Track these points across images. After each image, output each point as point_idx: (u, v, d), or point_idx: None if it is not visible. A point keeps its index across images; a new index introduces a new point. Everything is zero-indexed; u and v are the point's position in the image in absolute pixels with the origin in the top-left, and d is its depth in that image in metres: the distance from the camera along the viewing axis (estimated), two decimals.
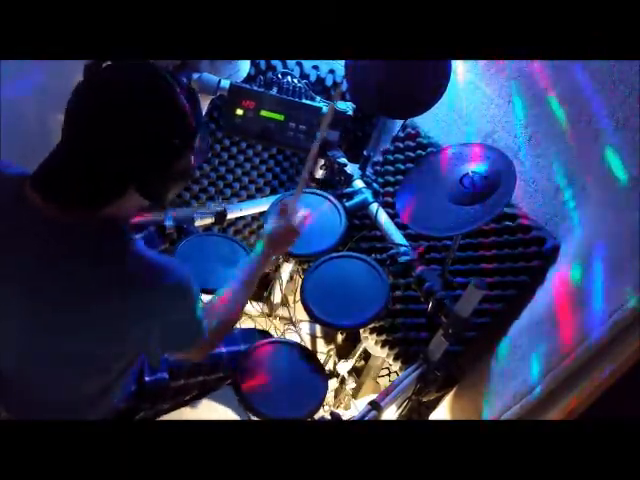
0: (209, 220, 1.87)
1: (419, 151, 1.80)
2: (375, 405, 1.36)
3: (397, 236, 1.59)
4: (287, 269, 2.18)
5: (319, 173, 1.99)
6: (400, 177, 1.84)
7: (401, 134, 1.88)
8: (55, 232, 0.87)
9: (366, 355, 2.12)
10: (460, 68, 1.65)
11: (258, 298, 2.38)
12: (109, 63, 0.89)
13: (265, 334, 1.68)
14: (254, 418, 1.40)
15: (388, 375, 2.19)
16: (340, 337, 2.34)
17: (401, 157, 1.86)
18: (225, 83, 1.68)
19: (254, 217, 2.25)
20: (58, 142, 0.88)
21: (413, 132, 1.84)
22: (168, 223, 1.71)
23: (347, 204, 1.66)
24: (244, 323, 2.26)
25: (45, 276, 0.88)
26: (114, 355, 0.95)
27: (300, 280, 1.63)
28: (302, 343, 1.69)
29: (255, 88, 1.70)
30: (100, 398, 1.06)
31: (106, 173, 0.86)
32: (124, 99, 0.85)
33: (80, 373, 0.98)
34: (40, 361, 0.96)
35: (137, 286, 0.88)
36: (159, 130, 0.87)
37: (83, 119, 0.86)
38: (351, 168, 1.78)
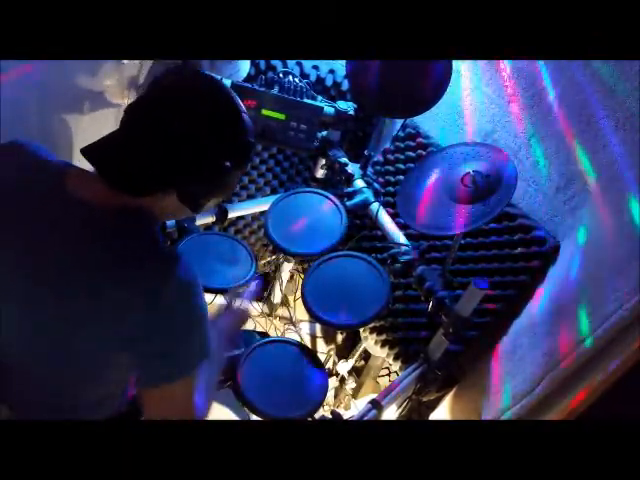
0: (210, 219, 1.87)
1: (419, 151, 1.81)
2: (375, 404, 1.36)
3: (398, 236, 1.59)
4: (287, 269, 2.18)
5: (320, 173, 1.99)
6: (401, 177, 1.85)
7: (401, 134, 1.88)
8: (87, 217, 0.88)
9: (366, 355, 2.12)
10: (460, 68, 1.65)
11: (258, 298, 2.37)
12: (188, 69, 0.92)
13: (264, 336, 1.68)
14: (254, 418, 1.40)
15: (388, 375, 2.19)
16: (340, 337, 2.34)
17: (401, 157, 1.86)
18: (226, 82, 1.68)
19: (254, 217, 2.26)
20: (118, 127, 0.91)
21: (413, 132, 1.84)
22: (169, 222, 1.71)
23: (348, 203, 1.67)
24: None
25: (67, 259, 0.88)
26: (116, 353, 0.95)
27: (300, 280, 1.64)
28: (302, 343, 1.69)
29: (256, 87, 1.70)
30: (102, 399, 1.06)
31: (154, 167, 0.88)
32: (192, 108, 0.88)
33: (85, 370, 0.98)
34: (46, 355, 0.96)
35: (148, 278, 0.88)
36: (216, 147, 0.90)
37: (148, 112, 0.89)
38: (352, 168, 1.78)
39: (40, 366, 0.98)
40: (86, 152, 0.90)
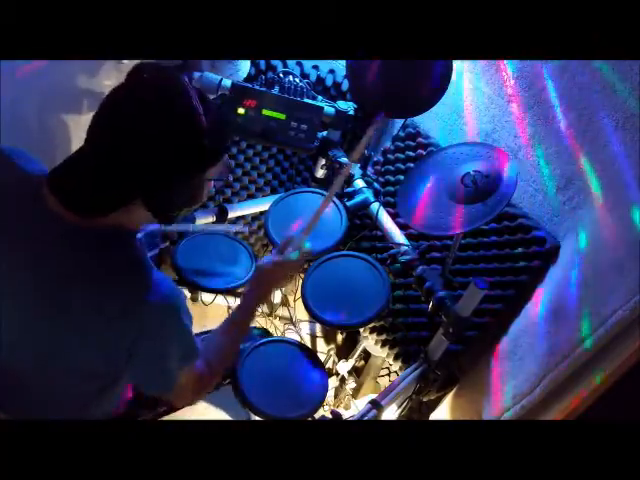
0: (210, 219, 1.87)
1: (419, 151, 1.81)
2: (375, 404, 1.36)
3: (398, 236, 1.59)
4: None
5: (320, 173, 1.99)
6: (401, 177, 1.84)
7: (401, 134, 1.88)
8: (63, 232, 0.88)
9: (366, 355, 2.12)
10: (460, 68, 1.65)
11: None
12: (137, 75, 0.88)
13: (264, 332, 1.68)
14: (254, 418, 1.40)
15: (388, 375, 2.19)
16: (340, 337, 2.34)
17: (402, 157, 1.86)
18: (226, 82, 1.68)
19: (254, 217, 2.26)
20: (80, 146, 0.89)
21: (413, 132, 1.84)
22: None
23: (348, 203, 1.67)
24: None
25: (48, 273, 0.88)
26: (106, 360, 0.95)
27: (300, 280, 1.63)
28: (302, 343, 1.69)
29: (257, 87, 1.70)
30: (97, 402, 1.06)
31: (114, 181, 0.86)
32: (143, 115, 0.85)
33: (76, 375, 0.98)
34: (39, 361, 0.96)
35: (130, 291, 0.89)
36: (172, 152, 0.86)
37: (100, 126, 0.87)
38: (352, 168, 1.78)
39: (26, 375, 0.99)
40: (49, 183, 0.88)
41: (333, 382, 2.09)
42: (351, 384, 2.11)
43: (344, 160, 1.79)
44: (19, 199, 0.90)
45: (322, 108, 1.76)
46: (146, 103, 0.85)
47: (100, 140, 0.86)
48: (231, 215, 1.93)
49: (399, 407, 1.46)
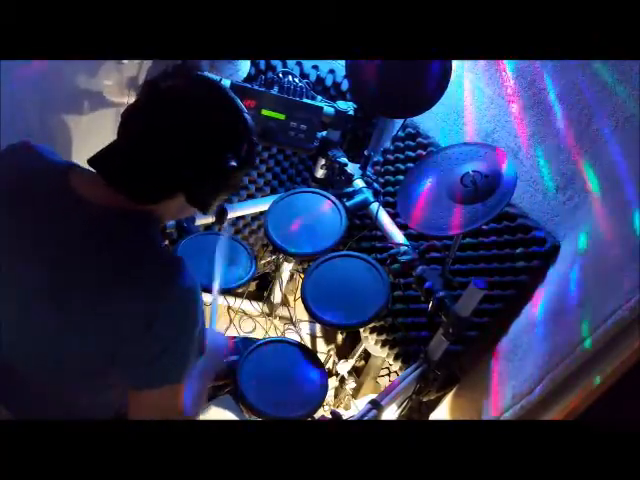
0: (210, 219, 1.87)
1: (419, 151, 1.81)
2: (375, 404, 1.36)
3: (397, 236, 1.59)
4: (287, 269, 2.18)
5: (320, 173, 1.99)
6: (400, 177, 1.85)
7: (401, 134, 1.88)
8: (93, 216, 0.89)
9: (366, 355, 2.12)
10: (460, 68, 1.65)
11: (258, 298, 2.38)
12: (184, 70, 0.93)
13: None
14: (254, 418, 1.41)
15: (388, 375, 2.19)
16: (340, 337, 2.34)
17: (401, 157, 1.86)
18: (226, 82, 1.68)
19: (254, 217, 2.26)
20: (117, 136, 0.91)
21: (413, 132, 1.84)
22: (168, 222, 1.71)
23: (348, 203, 1.67)
24: (244, 323, 2.27)
25: (71, 260, 0.88)
26: (114, 356, 0.95)
27: (300, 280, 1.64)
28: (302, 343, 1.69)
29: (256, 87, 1.70)
30: (101, 402, 1.06)
31: (165, 176, 0.89)
32: (194, 113, 0.89)
33: (83, 371, 0.98)
34: (45, 354, 0.96)
35: (148, 283, 0.88)
36: (222, 147, 0.91)
37: (151, 119, 0.89)
38: (352, 168, 1.78)
39: (40, 365, 0.98)
40: (96, 164, 0.90)
41: (333, 382, 2.09)
42: (351, 384, 2.11)
43: (343, 160, 1.79)
44: (48, 185, 0.91)
45: (321, 108, 1.76)
46: (200, 102, 0.90)
47: (155, 135, 0.88)
48: (231, 215, 1.93)
49: (399, 407, 1.46)
